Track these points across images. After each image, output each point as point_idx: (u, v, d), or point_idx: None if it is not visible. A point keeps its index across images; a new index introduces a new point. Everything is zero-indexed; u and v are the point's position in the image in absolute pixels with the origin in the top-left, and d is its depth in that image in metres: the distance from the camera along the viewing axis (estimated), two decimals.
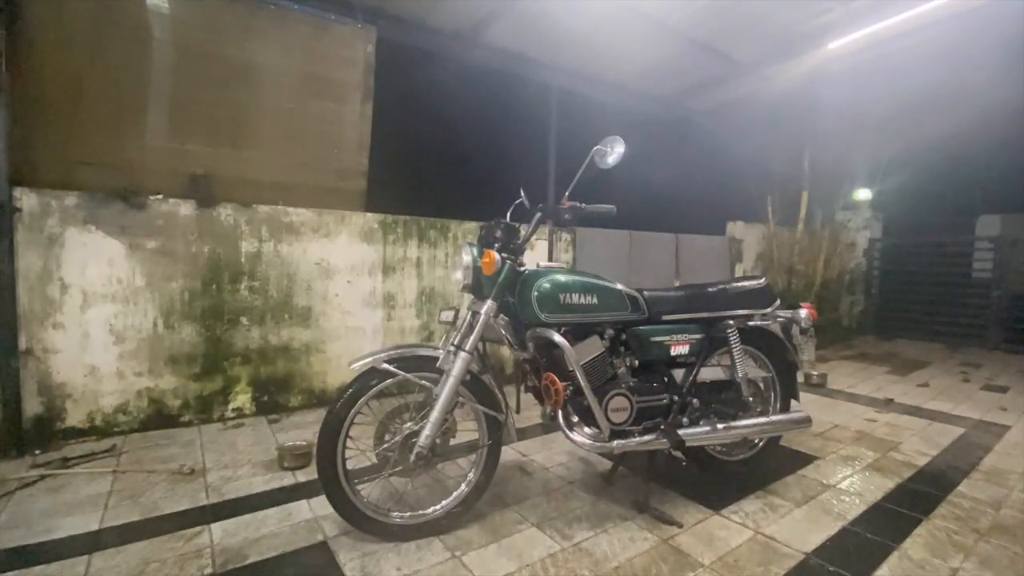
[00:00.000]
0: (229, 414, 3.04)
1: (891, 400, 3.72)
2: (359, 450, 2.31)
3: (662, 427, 1.96)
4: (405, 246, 3.60)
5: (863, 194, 6.73)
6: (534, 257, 4.07)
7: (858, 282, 6.99)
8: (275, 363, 3.17)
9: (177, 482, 2.21)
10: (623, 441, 1.90)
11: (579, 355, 1.83)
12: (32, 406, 2.55)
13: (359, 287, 3.43)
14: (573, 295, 1.85)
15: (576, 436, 1.87)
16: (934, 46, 4.13)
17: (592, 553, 1.75)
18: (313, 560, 1.68)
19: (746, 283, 2.23)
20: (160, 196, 2.83)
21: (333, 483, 1.71)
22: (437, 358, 1.79)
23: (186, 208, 2.89)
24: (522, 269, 1.90)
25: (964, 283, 6.33)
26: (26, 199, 2.50)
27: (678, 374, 2.08)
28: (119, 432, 2.74)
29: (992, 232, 6.42)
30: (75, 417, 2.65)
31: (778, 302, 2.26)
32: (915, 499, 2.19)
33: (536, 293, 1.81)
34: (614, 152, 1.83)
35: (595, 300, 1.90)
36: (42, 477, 2.21)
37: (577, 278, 1.90)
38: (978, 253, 6.32)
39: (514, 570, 1.65)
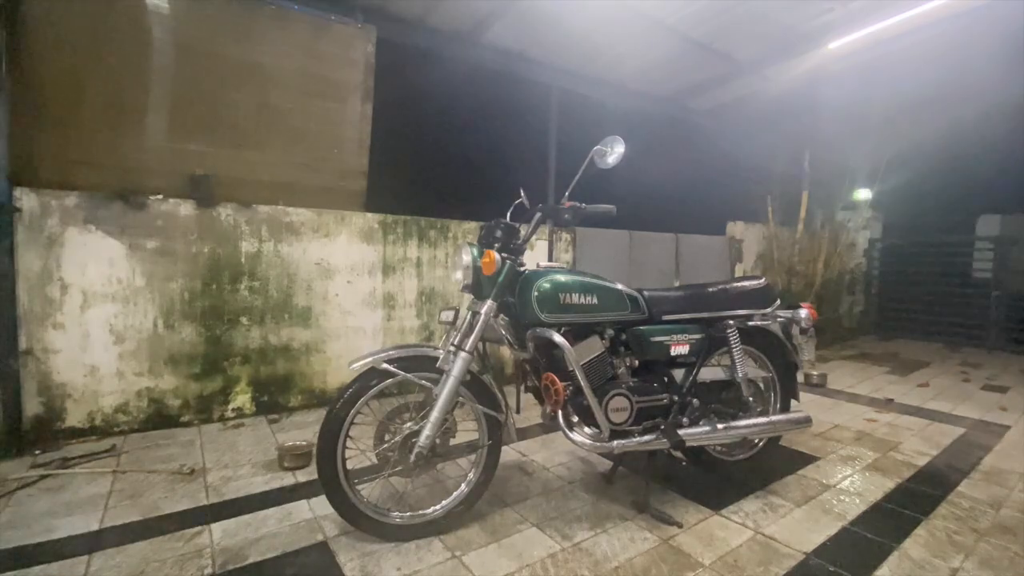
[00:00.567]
0: (229, 414, 3.04)
1: (891, 400, 3.72)
2: (359, 450, 2.31)
3: (662, 427, 1.96)
4: (405, 246, 3.60)
5: (863, 194, 6.72)
6: (534, 257, 4.07)
7: (858, 282, 6.99)
8: (275, 363, 3.17)
9: (177, 482, 2.21)
10: (623, 441, 1.90)
11: (579, 355, 1.83)
12: (32, 406, 2.55)
13: (359, 287, 3.43)
14: (573, 295, 1.85)
15: (576, 436, 1.87)
16: (934, 46, 4.13)
17: (592, 553, 1.75)
18: (313, 560, 1.68)
19: (746, 283, 2.23)
20: (160, 196, 2.83)
21: (333, 483, 1.71)
22: (437, 358, 1.79)
23: (186, 208, 2.89)
24: (522, 269, 1.90)
25: (964, 283, 6.33)
26: (26, 199, 2.50)
27: (678, 374, 2.08)
28: (119, 432, 2.74)
29: (992, 232, 6.42)
30: (75, 417, 2.65)
31: (778, 302, 2.26)
32: (915, 499, 2.19)
33: (536, 293, 1.81)
34: (614, 152, 1.83)
35: (595, 300, 1.90)
36: (42, 477, 2.21)
37: (577, 278, 1.90)
38: (978, 253, 6.32)
39: (514, 570, 1.65)
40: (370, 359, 1.73)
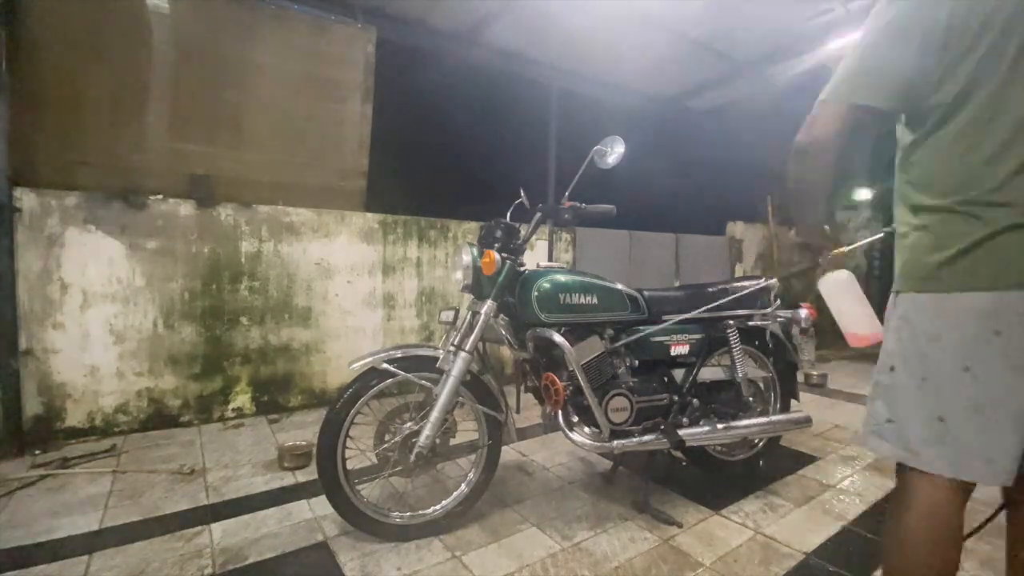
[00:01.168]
0: (229, 414, 3.04)
1: None
2: (359, 450, 2.31)
3: (662, 427, 1.96)
4: (405, 246, 3.60)
5: (863, 194, 6.72)
6: (534, 257, 4.07)
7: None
8: (275, 363, 3.17)
9: (177, 482, 2.21)
10: (623, 441, 1.89)
11: (579, 355, 1.83)
12: (32, 406, 2.55)
13: (359, 287, 3.43)
14: (573, 295, 1.85)
15: (576, 436, 1.87)
16: None
17: (592, 553, 1.75)
18: (313, 560, 1.68)
19: (746, 283, 2.23)
20: (160, 196, 2.83)
21: (333, 483, 1.71)
22: (437, 358, 1.79)
23: (186, 208, 2.89)
24: (522, 269, 1.90)
25: None
26: (26, 199, 2.50)
27: (678, 374, 2.08)
28: (119, 432, 2.74)
29: None
30: (75, 417, 2.65)
31: (778, 302, 2.26)
32: None
33: (536, 293, 1.81)
34: (614, 152, 1.83)
35: (595, 300, 1.90)
36: (42, 477, 2.21)
37: (577, 278, 1.90)
38: None
39: (514, 570, 1.65)
40: (370, 359, 1.73)
